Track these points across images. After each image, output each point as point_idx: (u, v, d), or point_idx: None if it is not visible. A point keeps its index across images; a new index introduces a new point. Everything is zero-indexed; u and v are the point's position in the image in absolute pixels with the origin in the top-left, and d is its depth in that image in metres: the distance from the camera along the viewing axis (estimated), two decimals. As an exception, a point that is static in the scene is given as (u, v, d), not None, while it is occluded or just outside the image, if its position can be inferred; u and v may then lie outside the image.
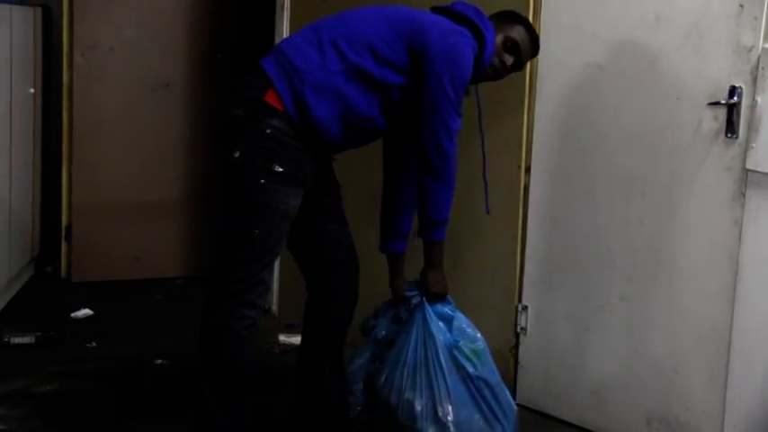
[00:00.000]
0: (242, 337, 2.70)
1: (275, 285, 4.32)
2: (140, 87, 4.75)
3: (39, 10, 4.65)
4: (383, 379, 2.82)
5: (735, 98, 2.80)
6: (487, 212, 3.09)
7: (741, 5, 2.77)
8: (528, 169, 3.36)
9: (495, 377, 2.82)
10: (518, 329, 3.44)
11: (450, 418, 2.72)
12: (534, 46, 2.92)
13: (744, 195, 2.80)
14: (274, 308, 4.35)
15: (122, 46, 4.71)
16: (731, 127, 2.82)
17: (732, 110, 2.81)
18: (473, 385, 2.76)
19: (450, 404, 2.72)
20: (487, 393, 2.78)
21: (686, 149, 2.93)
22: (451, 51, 2.69)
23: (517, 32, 2.86)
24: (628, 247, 3.11)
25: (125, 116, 4.73)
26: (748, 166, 2.78)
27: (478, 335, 2.84)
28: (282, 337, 4.04)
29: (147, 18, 4.72)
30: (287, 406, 3.05)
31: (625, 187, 3.10)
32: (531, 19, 3.26)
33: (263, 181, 2.66)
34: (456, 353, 2.76)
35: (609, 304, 3.17)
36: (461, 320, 2.84)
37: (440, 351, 2.74)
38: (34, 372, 3.54)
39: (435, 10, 2.85)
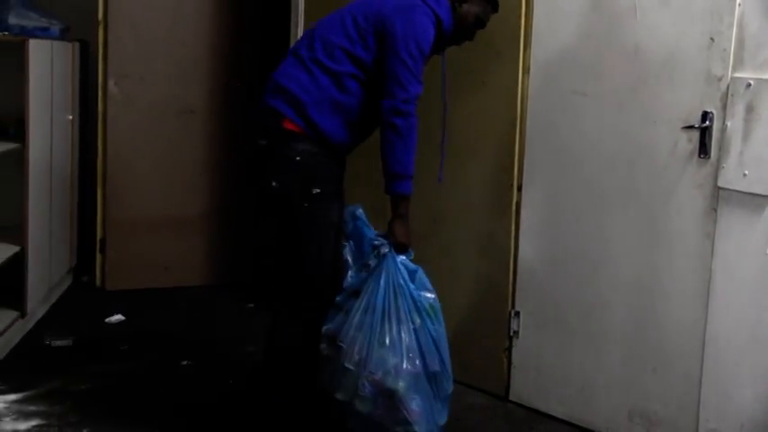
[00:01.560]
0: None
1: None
2: (167, 113, 4.74)
3: (77, 44, 4.67)
4: (349, 327, 2.70)
5: (707, 122, 2.81)
6: (439, 181, 3.13)
7: (712, 39, 2.79)
8: (520, 188, 3.37)
9: (444, 343, 2.78)
10: (511, 333, 3.44)
11: (419, 367, 2.67)
12: (494, 4, 2.98)
13: (716, 211, 2.81)
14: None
15: (151, 75, 4.71)
16: (704, 148, 2.83)
17: (704, 133, 2.82)
18: (425, 338, 2.71)
19: (418, 354, 2.68)
20: (434, 348, 2.72)
21: (663, 168, 2.94)
22: (407, 23, 2.71)
23: None
24: (610, 258, 3.12)
25: (153, 139, 4.73)
26: (719, 184, 2.79)
27: (434, 294, 2.78)
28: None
29: (172, 50, 4.73)
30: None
31: (608, 203, 3.11)
32: (522, 49, 3.29)
33: (306, 205, 2.73)
34: (419, 306, 2.73)
35: (593, 310, 3.18)
36: (422, 274, 2.79)
37: (407, 299, 2.70)
38: (72, 372, 3.55)
39: None
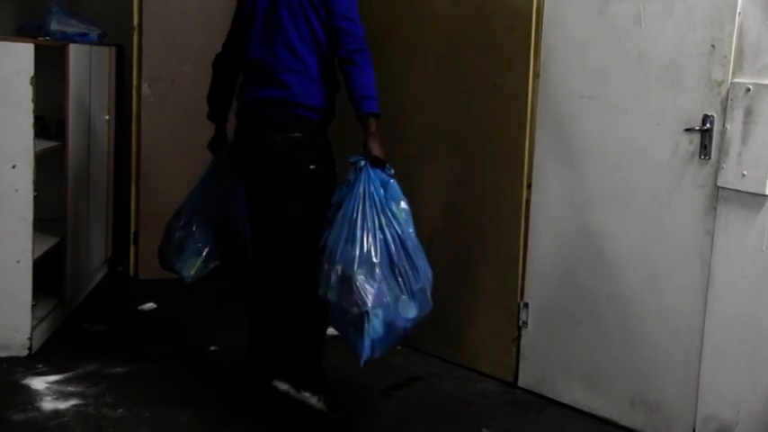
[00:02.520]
0: None
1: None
2: (197, 115, 4.72)
3: (113, 49, 4.71)
4: (330, 233, 2.93)
5: (707, 125, 2.82)
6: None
7: (713, 46, 2.79)
8: (529, 186, 3.38)
9: (412, 243, 2.93)
10: (520, 323, 3.45)
11: (381, 260, 2.85)
12: None
13: (715, 209, 2.82)
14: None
15: (182, 79, 4.73)
16: (704, 150, 2.83)
17: (705, 135, 2.83)
18: (391, 236, 2.88)
19: (382, 249, 2.86)
20: (400, 246, 2.89)
21: (665, 169, 2.95)
22: None
23: None
24: (615, 253, 3.12)
25: (184, 139, 4.72)
26: (719, 184, 2.79)
27: (404, 202, 2.97)
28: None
29: (202, 54, 4.70)
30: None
31: (613, 201, 3.12)
32: (533, 56, 3.30)
33: (332, 184, 3.10)
34: (387, 210, 2.92)
35: (598, 301, 3.19)
36: (395, 185, 2.98)
37: (375, 204, 2.90)
38: (108, 356, 3.59)
39: None
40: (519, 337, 3.47)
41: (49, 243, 3.74)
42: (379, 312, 2.81)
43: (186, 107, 4.74)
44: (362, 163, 2.95)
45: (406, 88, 3.76)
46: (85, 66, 4.11)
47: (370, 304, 2.79)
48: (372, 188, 2.92)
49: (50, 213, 3.78)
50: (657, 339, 3.01)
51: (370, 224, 2.87)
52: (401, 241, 2.90)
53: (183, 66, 4.74)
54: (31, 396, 3.17)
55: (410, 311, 2.90)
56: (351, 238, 2.87)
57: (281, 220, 3.13)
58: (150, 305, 4.30)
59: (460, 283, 3.61)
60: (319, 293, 2.93)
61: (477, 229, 3.56)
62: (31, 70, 3.35)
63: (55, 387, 3.26)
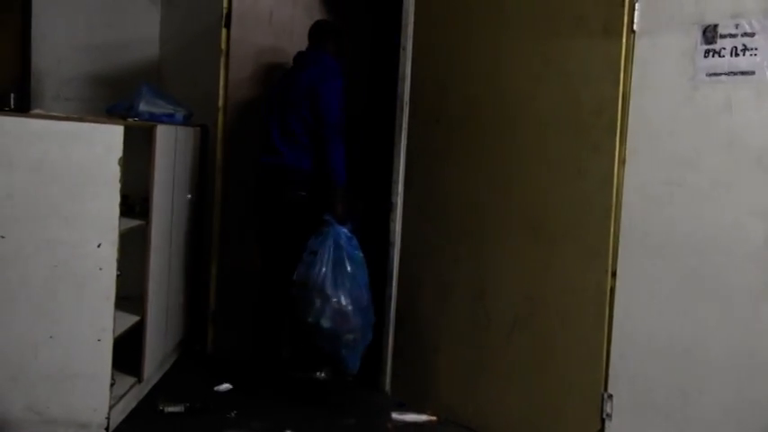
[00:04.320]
0: None
1: (388, 370, 4.38)
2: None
3: (198, 129, 4.88)
4: (313, 274, 3.98)
5: (802, 215, 2.80)
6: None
7: (806, 134, 2.78)
8: (614, 274, 3.37)
9: (366, 282, 4.05)
10: (604, 415, 3.40)
11: (360, 298, 4.00)
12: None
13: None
14: (387, 387, 4.40)
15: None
16: (799, 241, 2.81)
17: (799, 225, 2.80)
18: (360, 280, 4.01)
19: (360, 290, 4.01)
20: (364, 288, 4.03)
21: (758, 259, 2.92)
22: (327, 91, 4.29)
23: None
24: (706, 346, 3.08)
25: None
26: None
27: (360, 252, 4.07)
28: (395, 415, 4.09)
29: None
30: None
31: (703, 292, 3.08)
32: (618, 143, 3.33)
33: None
34: (354, 257, 4.02)
35: (689, 396, 3.13)
36: (354, 240, 4.06)
37: (348, 255, 4.01)
38: (182, 437, 3.64)
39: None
40: (602, 430, 3.41)
41: (129, 322, 3.84)
42: (360, 337, 4.01)
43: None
44: (331, 221, 4.06)
45: (489, 172, 3.82)
46: (171, 146, 4.27)
47: (360, 333, 3.99)
48: (342, 240, 4.02)
49: (131, 291, 3.88)
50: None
51: (347, 269, 3.98)
52: (364, 285, 4.03)
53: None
54: (106, 476, 3.23)
55: (368, 338, 4.09)
56: (339, 280, 3.96)
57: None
58: (226, 386, 4.36)
59: (543, 372, 3.59)
60: (309, 321, 3.99)
61: (560, 316, 3.55)
62: (119, 151, 3.48)
63: (130, 468, 3.32)
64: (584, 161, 3.46)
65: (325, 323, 3.95)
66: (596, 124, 3.40)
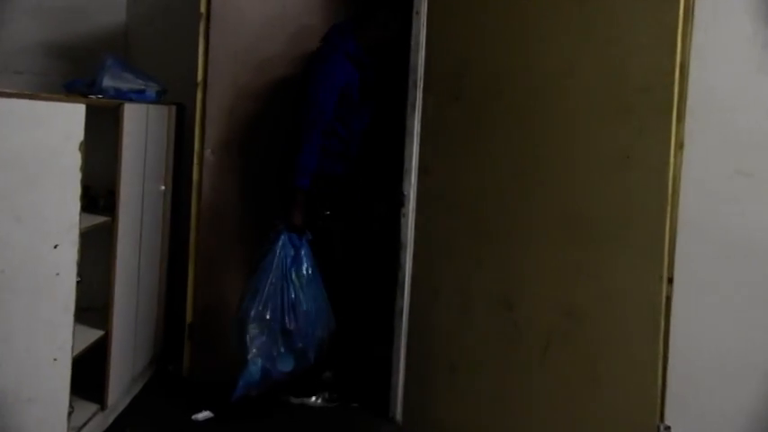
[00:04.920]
0: None
1: (399, 395, 4.36)
2: (267, 187, 4.84)
3: (173, 108, 4.86)
4: (247, 287, 4.25)
5: None
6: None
7: None
8: (670, 280, 3.33)
9: (306, 306, 4.20)
10: (659, 451, 3.39)
11: (267, 320, 4.14)
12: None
13: None
14: (397, 416, 4.38)
15: (253, 145, 4.85)
16: None
17: None
18: (286, 305, 4.15)
19: (278, 309, 4.15)
20: (292, 315, 4.15)
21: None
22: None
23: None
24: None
25: (254, 217, 4.85)
26: None
27: (310, 270, 4.25)
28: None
29: (277, 116, 4.84)
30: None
31: (776, 302, 3.06)
32: (675, 121, 3.29)
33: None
34: (288, 274, 4.17)
35: (764, 426, 3.10)
36: (306, 252, 4.25)
37: (281, 269, 4.17)
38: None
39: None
40: (657, 469, 3.39)
41: (90, 337, 3.84)
42: (258, 362, 4.14)
43: (258, 179, 4.84)
44: (281, 227, 4.23)
45: (517, 159, 3.79)
46: (141, 128, 4.26)
47: (249, 355, 4.12)
48: (284, 253, 4.19)
49: (94, 300, 3.89)
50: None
51: (273, 284, 4.14)
52: (293, 305, 4.14)
53: (256, 129, 4.87)
54: None
55: (286, 365, 4.20)
56: (255, 294, 4.15)
57: None
58: (206, 414, 4.36)
59: (584, 398, 3.56)
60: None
61: (604, 332, 3.52)
62: (80, 134, 3.46)
63: None
64: (631, 146, 3.42)
65: (232, 341, 4.28)
66: (646, 102, 3.36)
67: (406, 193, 4.29)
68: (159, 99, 4.57)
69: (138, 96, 4.36)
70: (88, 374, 3.85)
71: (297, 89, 4.59)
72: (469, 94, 4.01)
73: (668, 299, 3.34)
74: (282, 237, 4.22)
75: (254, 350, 4.13)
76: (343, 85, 4.48)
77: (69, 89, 4.33)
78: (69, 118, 3.47)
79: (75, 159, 3.46)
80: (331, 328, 4.33)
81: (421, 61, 4.25)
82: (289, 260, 4.20)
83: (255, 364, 4.14)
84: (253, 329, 4.12)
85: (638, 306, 3.40)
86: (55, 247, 3.46)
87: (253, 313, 4.12)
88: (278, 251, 4.20)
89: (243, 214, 4.86)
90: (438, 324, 4.17)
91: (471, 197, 4.00)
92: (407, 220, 4.30)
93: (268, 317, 4.13)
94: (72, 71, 4.84)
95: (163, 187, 4.71)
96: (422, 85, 4.25)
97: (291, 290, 4.17)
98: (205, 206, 4.84)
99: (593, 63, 3.54)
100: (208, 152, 4.79)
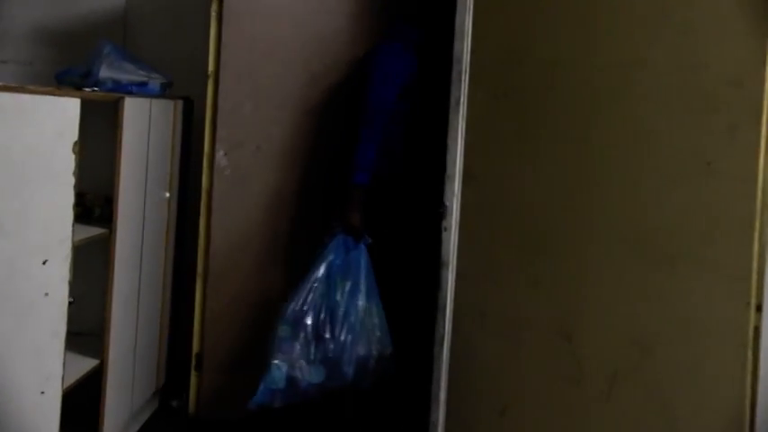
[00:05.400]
0: None
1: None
2: (288, 194, 4.83)
3: (180, 102, 4.86)
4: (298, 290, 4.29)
5: None
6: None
7: None
8: (759, 308, 3.29)
9: (346, 315, 4.24)
10: None
11: (302, 324, 4.22)
12: None
13: None
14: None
15: (271, 146, 4.84)
16: None
17: None
18: (324, 312, 4.23)
19: (309, 316, 4.23)
20: (328, 323, 4.23)
21: None
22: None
23: None
24: None
25: (272, 229, 4.84)
26: None
27: (363, 278, 4.32)
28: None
29: (300, 114, 4.82)
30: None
31: None
32: (766, 122, 3.25)
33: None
34: (332, 279, 4.27)
35: None
36: (357, 259, 4.32)
37: (327, 273, 4.28)
38: None
39: None
40: None
41: (84, 367, 3.84)
42: (284, 367, 4.19)
43: (277, 185, 4.84)
44: (337, 229, 4.35)
45: (578, 164, 3.76)
46: (143, 126, 4.27)
47: (275, 358, 4.17)
48: (334, 256, 4.31)
49: (87, 325, 3.89)
50: None
51: (316, 287, 4.24)
52: (332, 311, 4.24)
53: (275, 128, 4.85)
54: None
55: (315, 377, 4.23)
56: (295, 295, 4.23)
57: None
58: (215, 457, 4.35)
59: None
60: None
61: (680, 367, 3.48)
62: (74, 133, 3.47)
63: None
64: (714, 150, 3.39)
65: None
66: (732, 98, 3.33)
67: (448, 203, 4.26)
68: (164, 92, 4.58)
69: (139, 89, 4.37)
70: (80, 410, 3.85)
71: (357, 79, 4.70)
72: (523, 88, 3.98)
73: (757, 329, 3.30)
74: (336, 239, 4.34)
75: (280, 354, 4.20)
76: (406, 77, 4.63)
77: (61, 81, 4.35)
78: (61, 114, 3.48)
79: (67, 162, 3.47)
80: (385, 350, 4.37)
81: (467, 50, 4.23)
82: (338, 263, 4.31)
83: (280, 369, 4.20)
84: (283, 330, 4.21)
85: (721, 337, 3.36)
86: (44, 262, 3.47)
87: (287, 313, 4.23)
88: (328, 253, 4.31)
89: (261, 226, 4.84)
90: (484, 355, 4.14)
91: (524, 208, 3.97)
92: (450, 234, 4.27)
93: (305, 320, 4.22)
94: (64, 60, 4.85)
95: (167, 194, 4.71)
96: (467, 78, 4.23)
97: (335, 295, 4.27)
98: (216, 217, 4.81)
99: (668, 51, 3.50)
100: (220, 154, 4.78)
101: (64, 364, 3.53)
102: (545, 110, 3.89)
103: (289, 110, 4.85)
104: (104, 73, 4.24)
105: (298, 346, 4.19)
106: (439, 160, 4.33)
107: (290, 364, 4.18)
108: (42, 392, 3.50)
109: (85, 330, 3.90)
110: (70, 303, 3.53)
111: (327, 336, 4.20)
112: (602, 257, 3.70)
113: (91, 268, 3.89)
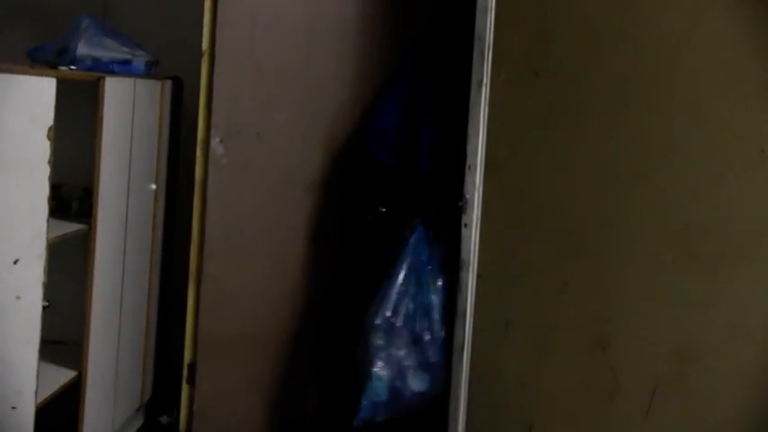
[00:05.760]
0: None
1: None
2: (293, 186, 4.81)
3: (168, 83, 4.86)
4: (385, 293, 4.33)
5: None
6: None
7: None
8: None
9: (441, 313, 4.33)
10: None
11: (397, 328, 4.30)
12: None
13: None
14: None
15: (272, 132, 4.82)
16: None
17: None
18: (420, 312, 4.30)
19: (402, 319, 4.29)
20: (426, 323, 4.31)
21: None
22: None
23: None
24: None
25: (273, 222, 4.83)
26: None
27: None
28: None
29: (304, 97, 4.79)
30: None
31: None
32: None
33: None
34: (423, 276, 4.34)
35: None
36: (444, 252, 4.34)
37: (415, 272, 4.34)
38: None
39: None
40: None
41: (61, 379, 3.86)
42: (384, 377, 4.29)
43: (278, 175, 4.82)
44: (416, 222, 4.38)
45: (614, 153, 3.75)
46: (127, 108, 4.28)
47: (374, 368, 4.26)
48: (418, 251, 4.35)
49: (65, 332, 3.89)
50: None
51: (403, 288, 4.29)
52: (427, 310, 4.31)
53: (276, 113, 4.83)
54: None
55: (419, 385, 4.34)
56: (382, 300, 4.28)
57: None
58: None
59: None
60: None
61: (726, 379, 3.47)
62: (49, 117, 3.47)
63: None
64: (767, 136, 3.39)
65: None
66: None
67: (468, 196, 4.26)
68: (149, 72, 4.59)
69: (121, 68, 4.38)
70: (56, 427, 3.87)
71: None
72: (552, 70, 3.98)
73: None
74: (417, 233, 4.40)
75: (380, 362, 4.29)
76: None
77: (34, 58, 4.35)
78: (35, 96, 3.49)
79: (42, 149, 3.48)
80: None
81: (490, 25, 4.22)
82: (424, 259, 4.38)
83: (381, 379, 4.30)
84: (377, 339, 4.29)
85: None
86: (15, 262, 3.49)
87: (378, 321, 4.28)
88: (410, 249, 4.36)
89: (262, 222, 4.84)
90: (508, 366, 4.14)
91: (555, 202, 3.97)
92: (470, 231, 4.26)
93: (398, 324, 4.30)
94: (37, 35, 4.86)
95: (153, 186, 4.72)
96: (491, 57, 4.22)
97: (426, 294, 4.36)
98: (212, 211, 4.79)
99: (718, 23, 3.49)
100: (216, 142, 4.75)
101: (38, 375, 3.54)
102: (579, 91, 3.89)
103: (292, 92, 4.84)
104: (82, 50, 4.24)
105: (396, 354, 4.30)
106: (454, 151, 4.34)
107: (392, 374, 4.30)
108: (14, 408, 3.52)
109: (62, 338, 3.90)
110: (44, 308, 3.54)
111: (427, 338, 4.31)
112: (639, 258, 3.70)
113: (68, 268, 3.90)
